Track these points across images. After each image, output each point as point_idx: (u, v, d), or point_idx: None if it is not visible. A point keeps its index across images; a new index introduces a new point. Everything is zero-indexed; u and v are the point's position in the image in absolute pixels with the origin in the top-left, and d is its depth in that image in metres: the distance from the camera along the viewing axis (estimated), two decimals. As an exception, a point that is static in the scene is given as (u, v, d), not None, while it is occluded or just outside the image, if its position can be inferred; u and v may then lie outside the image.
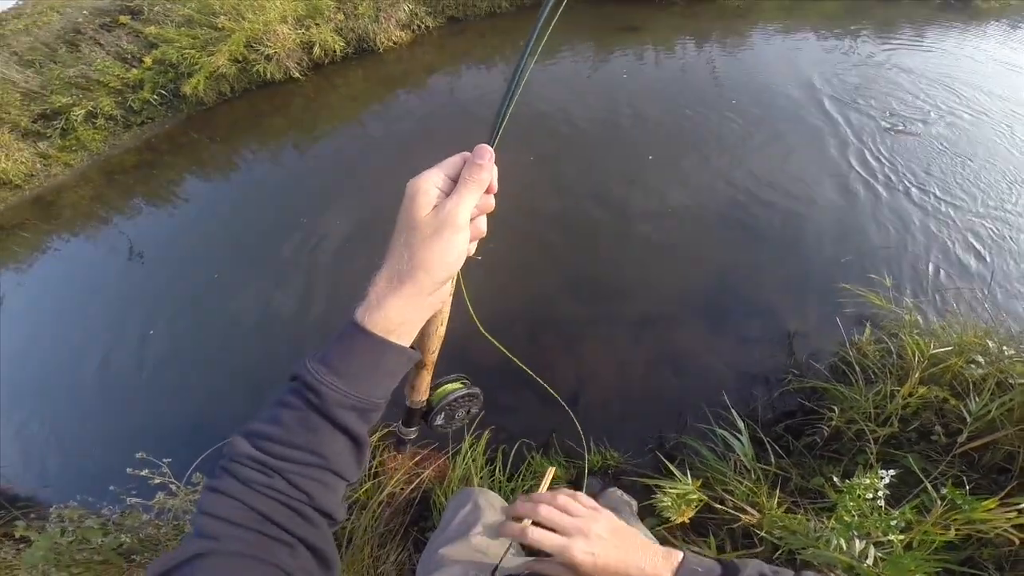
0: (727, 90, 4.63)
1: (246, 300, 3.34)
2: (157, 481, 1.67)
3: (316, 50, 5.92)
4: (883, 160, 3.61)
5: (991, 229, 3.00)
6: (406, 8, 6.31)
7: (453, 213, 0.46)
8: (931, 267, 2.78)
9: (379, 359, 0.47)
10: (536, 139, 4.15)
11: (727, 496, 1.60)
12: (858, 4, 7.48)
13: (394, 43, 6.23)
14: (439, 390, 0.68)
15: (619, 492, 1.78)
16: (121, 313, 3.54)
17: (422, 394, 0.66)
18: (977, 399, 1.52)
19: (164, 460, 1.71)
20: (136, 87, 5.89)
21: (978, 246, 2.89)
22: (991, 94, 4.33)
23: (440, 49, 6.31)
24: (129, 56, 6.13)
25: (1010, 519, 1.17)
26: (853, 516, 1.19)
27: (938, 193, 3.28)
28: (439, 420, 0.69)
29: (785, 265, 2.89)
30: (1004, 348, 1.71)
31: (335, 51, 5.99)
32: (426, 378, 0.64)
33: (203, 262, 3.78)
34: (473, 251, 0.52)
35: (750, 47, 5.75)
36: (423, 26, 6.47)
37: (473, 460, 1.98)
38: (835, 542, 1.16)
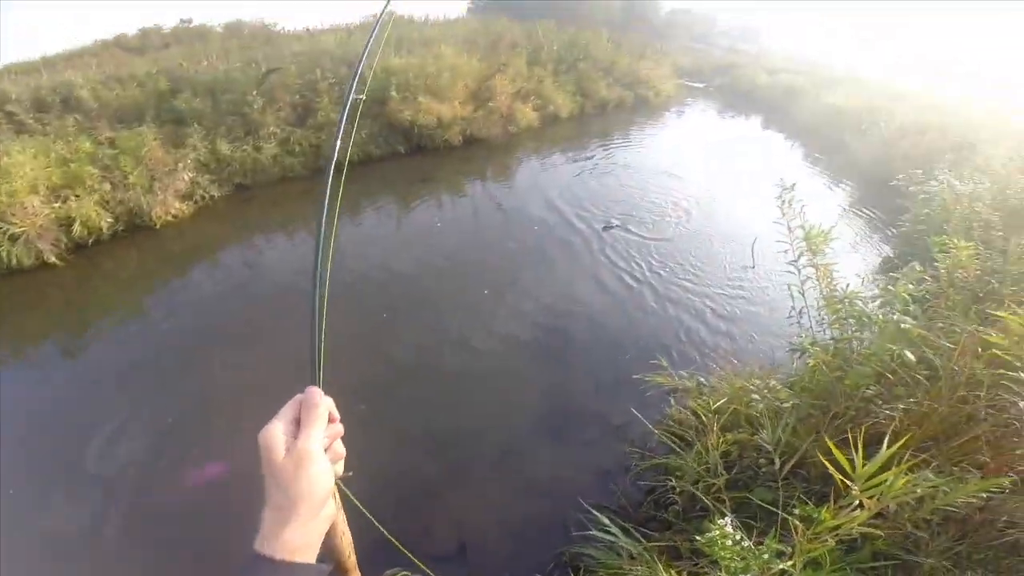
0: (512, 224, 5.68)
1: None
2: None
3: (77, 228, 4.96)
4: (630, 259, 4.92)
5: (726, 296, 4.35)
6: (186, 176, 5.92)
7: (304, 450, 0.52)
8: (692, 338, 3.82)
9: None
10: (362, 302, 4.22)
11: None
12: (582, 123, 10.48)
13: (173, 217, 5.66)
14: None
15: None
16: None
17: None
18: (766, 431, 2.06)
19: None
20: None
21: (720, 312, 4.15)
22: (678, 177, 6.41)
23: (229, 220, 5.93)
24: None
25: (863, 519, 1.29)
26: (736, 563, 1.34)
27: (679, 278, 4.62)
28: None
29: (592, 372, 3.53)
30: (769, 381, 2.41)
31: (101, 229, 5.11)
32: None
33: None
34: (341, 471, 0.60)
35: (518, 176, 7.26)
36: (207, 196, 6.09)
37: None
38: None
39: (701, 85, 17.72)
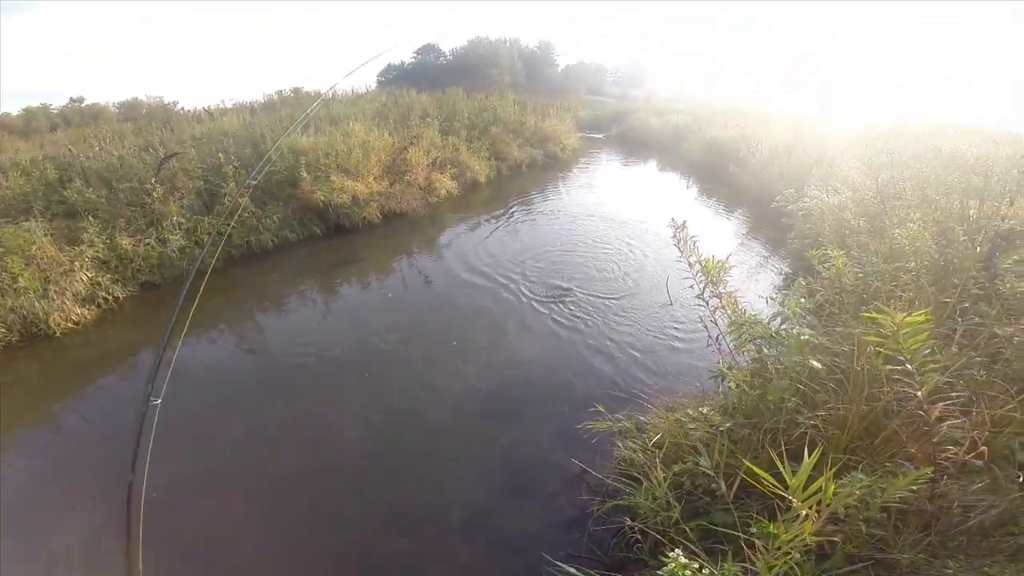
0: (443, 294, 5.67)
1: None
2: None
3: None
4: (556, 312, 5.07)
5: (650, 335, 4.58)
6: (83, 277, 5.36)
7: None
8: (626, 379, 3.94)
9: None
10: (299, 388, 4.06)
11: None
12: (498, 187, 10.94)
13: (75, 323, 5.09)
14: None
15: None
16: None
17: None
18: (703, 457, 2.10)
19: None
20: None
21: (646, 350, 4.34)
22: (591, 227, 6.80)
23: (139, 322, 5.42)
24: None
25: (811, 530, 1.33)
26: None
27: (604, 324, 4.80)
28: None
29: (544, 425, 3.53)
30: (701, 409, 2.48)
31: (-8, 340, 4.48)
32: None
33: None
34: None
35: (444, 246, 7.31)
36: (110, 298, 5.56)
37: None
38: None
39: (601, 136, 19.48)
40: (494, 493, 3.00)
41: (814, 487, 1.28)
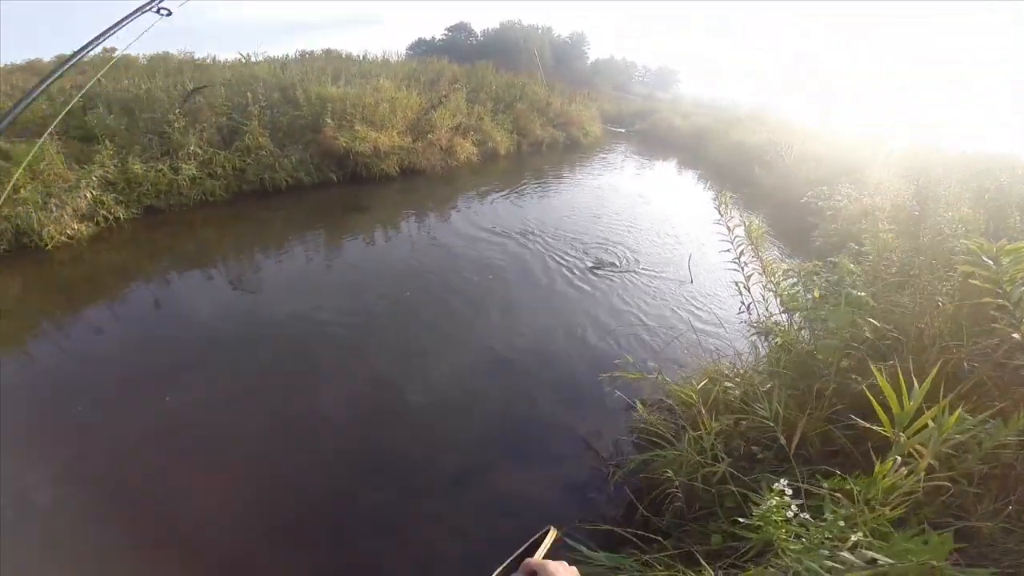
0: (485, 254, 5.39)
1: None
2: None
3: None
4: (580, 285, 4.93)
5: (675, 308, 4.43)
6: (88, 194, 5.22)
7: None
8: (645, 348, 3.77)
9: None
10: (299, 343, 3.66)
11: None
12: (518, 161, 10.76)
13: (69, 237, 4.92)
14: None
15: None
16: None
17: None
18: (762, 406, 1.91)
19: None
20: None
21: (668, 324, 4.17)
22: (615, 212, 6.72)
23: (135, 245, 5.23)
24: None
25: (923, 467, 1.21)
26: (799, 543, 1.17)
27: (626, 299, 4.63)
28: None
29: (553, 386, 3.29)
30: (737, 367, 2.35)
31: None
32: None
33: None
34: None
35: (458, 205, 7.13)
36: (110, 217, 5.40)
37: None
38: (813, 565, 1.08)
39: (623, 130, 19.26)
40: (493, 453, 2.76)
41: (920, 422, 1.12)
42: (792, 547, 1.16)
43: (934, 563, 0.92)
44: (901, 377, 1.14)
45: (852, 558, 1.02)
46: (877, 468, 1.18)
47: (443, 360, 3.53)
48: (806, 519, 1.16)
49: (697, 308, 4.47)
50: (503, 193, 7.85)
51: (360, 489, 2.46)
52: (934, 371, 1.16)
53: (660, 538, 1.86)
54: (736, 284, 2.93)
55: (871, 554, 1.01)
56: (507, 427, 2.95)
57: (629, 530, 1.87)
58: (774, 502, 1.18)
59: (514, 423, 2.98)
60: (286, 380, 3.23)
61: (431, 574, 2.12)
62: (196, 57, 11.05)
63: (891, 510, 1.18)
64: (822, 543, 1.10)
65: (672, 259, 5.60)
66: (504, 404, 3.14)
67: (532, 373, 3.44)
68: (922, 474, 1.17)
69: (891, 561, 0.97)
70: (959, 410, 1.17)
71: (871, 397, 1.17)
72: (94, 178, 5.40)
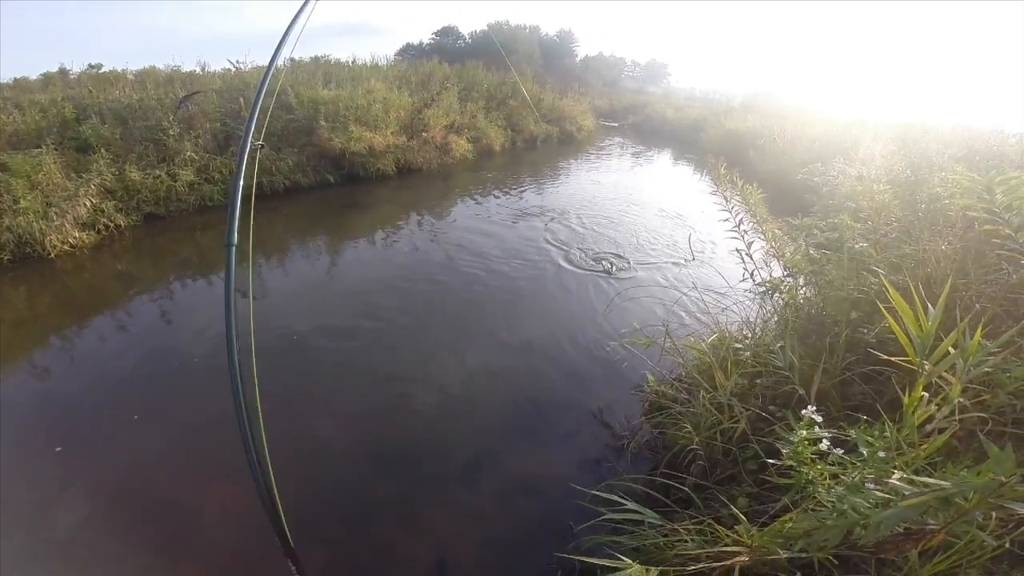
0: (488, 254, 5.22)
1: None
2: None
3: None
4: (582, 264, 4.99)
5: (678, 284, 4.50)
6: (87, 203, 5.24)
7: None
8: (650, 321, 3.73)
9: None
10: (304, 351, 3.64)
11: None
12: (513, 156, 10.78)
13: (71, 246, 4.95)
14: None
15: None
16: None
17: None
18: (777, 356, 1.89)
19: None
20: None
21: (672, 297, 4.21)
22: (617, 199, 6.71)
23: (137, 253, 5.21)
24: None
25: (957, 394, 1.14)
26: (836, 475, 1.12)
27: (630, 276, 4.74)
28: None
29: (563, 367, 3.27)
30: (744, 331, 2.36)
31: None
32: None
33: None
34: None
35: (457, 201, 7.13)
36: (111, 225, 5.42)
37: None
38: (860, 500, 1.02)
39: (616, 124, 19.32)
40: (503, 436, 2.73)
41: (941, 349, 1.06)
42: (830, 488, 1.10)
43: (1003, 479, 0.83)
44: (917, 298, 1.12)
45: (906, 486, 0.93)
46: (907, 400, 1.13)
47: (455, 352, 3.48)
48: (842, 457, 1.11)
49: (700, 279, 4.49)
50: (500, 186, 7.89)
51: (376, 480, 2.42)
52: (946, 289, 1.14)
53: (680, 509, 1.83)
54: (738, 251, 2.94)
55: (929, 479, 0.93)
56: (518, 409, 2.91)
57: (651, 495, 1.86)
58: (804, 433, 1.14)
59: (524, 404, 2.95)
60: (297, 389, 3.14)
61: (445, 556, 2.07)
62: (184, 70, 11.08)
63: (925, 450, 1.11)
64: (863, 481, 1.04)
65: (674, 239, 5.67)
66: (515, 389, 3.09)
67: (541, 356, 3.42)
68: (955, 404, 1.11)
69: (947, 485, 0.89)
70: (979, 334, 1.13)
71: (891, 320, 1.15)
72: (92, 187, 5.41)
